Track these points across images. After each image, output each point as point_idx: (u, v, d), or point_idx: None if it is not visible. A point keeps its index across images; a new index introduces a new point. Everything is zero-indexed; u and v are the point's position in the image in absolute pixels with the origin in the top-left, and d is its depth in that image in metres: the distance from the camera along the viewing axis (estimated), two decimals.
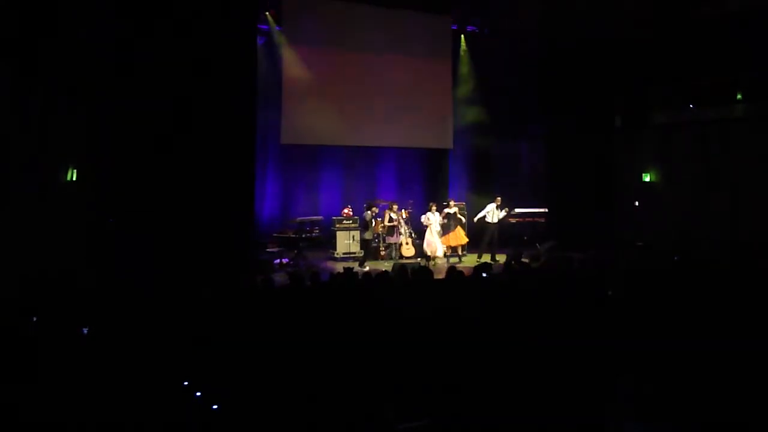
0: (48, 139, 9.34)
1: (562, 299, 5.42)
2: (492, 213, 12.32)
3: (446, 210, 12.15)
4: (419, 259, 11.89)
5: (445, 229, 12.06)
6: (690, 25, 12.60)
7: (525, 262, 7.89)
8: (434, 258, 11.73)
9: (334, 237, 12.74)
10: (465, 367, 4.10)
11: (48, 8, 9.04)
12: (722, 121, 13.43)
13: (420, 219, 13.06)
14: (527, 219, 14.32)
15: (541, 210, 14.50)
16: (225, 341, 4.53)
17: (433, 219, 11.88)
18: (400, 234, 12.28)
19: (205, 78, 10.54)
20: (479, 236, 12.60)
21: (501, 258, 11.04)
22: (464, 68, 15.09)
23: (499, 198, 12.42)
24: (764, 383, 4.10)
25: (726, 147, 13.44)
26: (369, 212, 11.70)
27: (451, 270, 7.07)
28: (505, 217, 12.50)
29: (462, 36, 15.08)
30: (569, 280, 6.48)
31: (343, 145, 14.10)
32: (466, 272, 7.15)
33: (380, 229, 12.37)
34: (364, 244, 11.77)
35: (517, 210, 13.82)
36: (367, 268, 10.67)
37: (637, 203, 14.68)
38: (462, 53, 15.11)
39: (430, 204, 12.28)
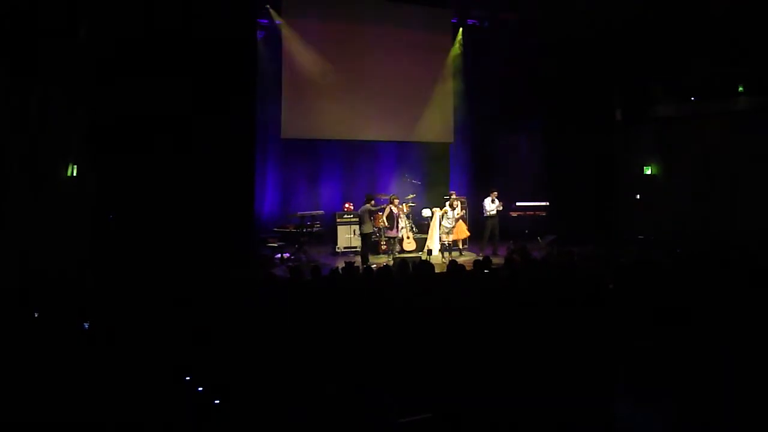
0: (48, 135, 9.33)
1: (562, 293, 5.42)
2: (489, 206, 12.33)
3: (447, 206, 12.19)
4: (420, 253, 11.89)
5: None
6: (691, 17, 12.54)
7: (526, 256, 7.89)
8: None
9: (335, 231, 12.75)
10: (466, 360, 4.11)
11: (48, 6, 9.02)
12: (723, 113, 13.41)
13: (422, 213, 13.08)
14: (528, 213, 14.31)
15: (542, 204, 14.50)
16: (226, 336, 4.54)
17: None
18: (401, 228, 12.26)
19: (205, 73, 10.53)
20: (480, 230, 12.64)
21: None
22: (465, 62, 15.02)
23: (495, 191, 12.42)
24: (763, 376, 4.12)
25: (727, 140, 13.42)
26: (367, 205, 11.40)
27: (452, 264, 7.08)
28: (501, 204, 12.52)
29: (462, 29, 15.02)
30: (570, 274, 6.49)
31: (344, 139, 14.07)
32: (467, 266, 7.17)
33: (381, 223, 12.35)
34: (363, 238, 11.26)
35: (518, 204, 13.80)
36: (373, 266, 10.52)
37: (638, 197, 14.66)
38: (462, 47, 15.04)
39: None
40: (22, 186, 8.72)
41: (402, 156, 15.00)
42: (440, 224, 11.84)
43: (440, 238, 11.88)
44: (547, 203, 14.45)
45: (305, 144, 13.83)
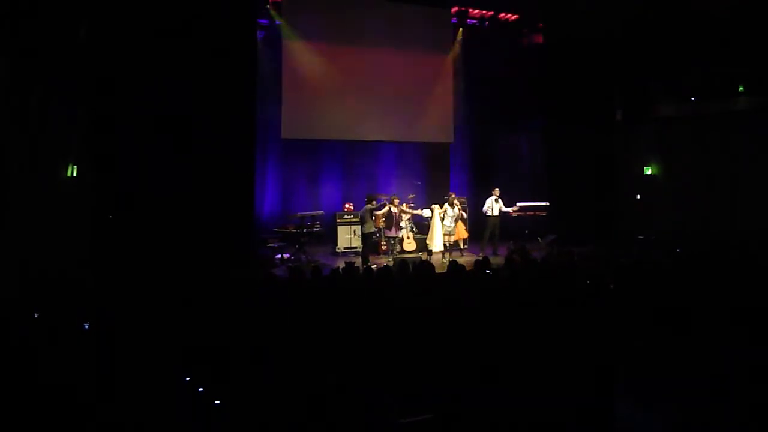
0: (48, 135, 9.34)
1: (562, 293, 5.42)
2: (491, 206, 12.32)
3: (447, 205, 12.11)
4: (420, 253, 11.87)
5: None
6: (691, 17, 12.54)
7: (526, 256, 7.89)
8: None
9: (335, 232, 12.74)
10: (467, 360, 4.10)
11: (48, 7, 9.02)
12: (723, 113, 13.40)
13: (422, 213, 13.04)
14: (528, 213, 14.29)
15: (542, 204, 14.49)
16: (226, 336, 4.54)
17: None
18: (401, 228, 12.23)
19: (205, 73, 10.53)
20: (480, 230, 12.64)
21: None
22: (465, 62, 15.01)
23: (497, 190, 12.42)
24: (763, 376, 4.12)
25: (727, 140, 13.42)
26: (368, 205, 11.34)
27: (453, 264, 7.08)
28: (514, 211, 12.57)
29: (461, 29, 15.01)
30: (570, 274, 6.48)
31: (344, 140, 14.07)
32: (467, 267, 7.16)
33: (381, 223, 12.32)
34: (364, 238, 11.23)
35: (519, 204, 13.81)
36: (374, 266, 10.46)
37: (638, 197, 14.66)
38: (462, 47, 15.03)
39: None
40: (22, 186, 8.71)
41: (402, 156, 15.01)
42: (442, 224, 11.80)
43: (443, 238, 11.85)
44: (548, 203, 14.44)
45: (305, 144, 13.83)
